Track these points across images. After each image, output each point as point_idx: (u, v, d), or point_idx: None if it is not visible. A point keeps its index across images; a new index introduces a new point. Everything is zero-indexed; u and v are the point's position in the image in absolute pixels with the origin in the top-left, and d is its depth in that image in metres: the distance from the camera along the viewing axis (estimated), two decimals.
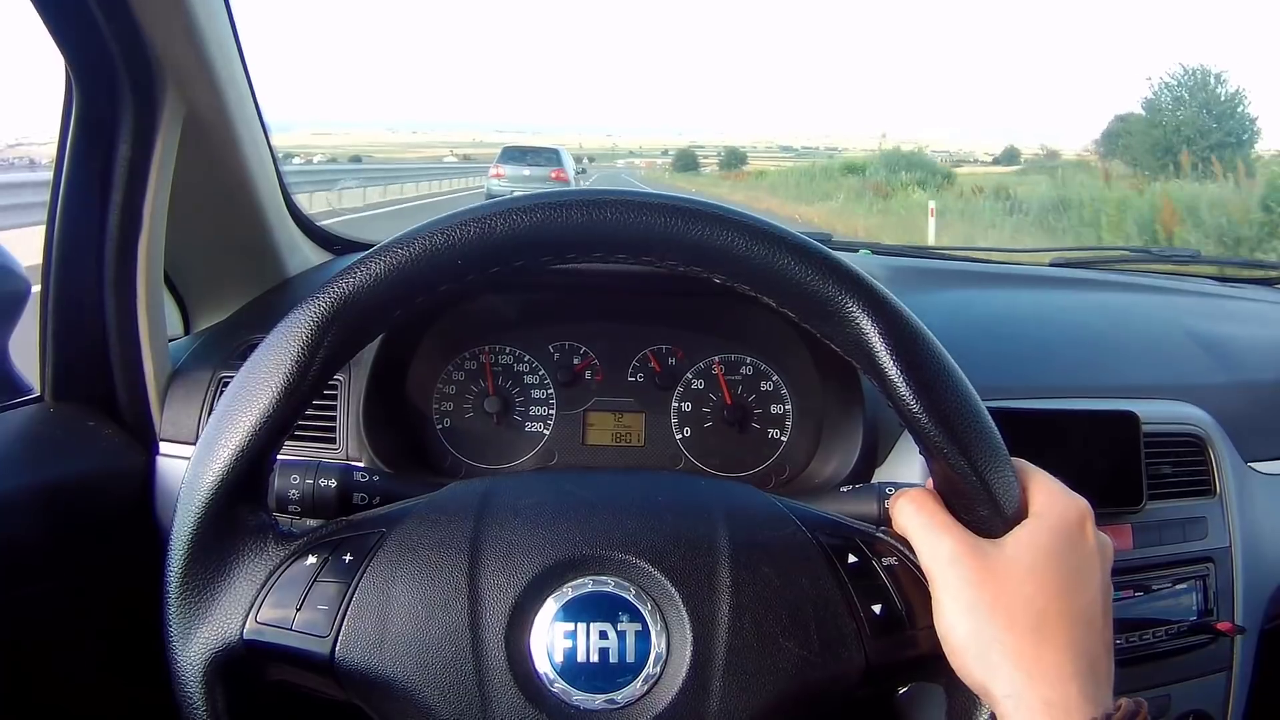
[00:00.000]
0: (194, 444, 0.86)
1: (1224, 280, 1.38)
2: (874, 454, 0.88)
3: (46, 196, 0.82)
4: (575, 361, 0.96)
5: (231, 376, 0.53)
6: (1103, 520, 0.51)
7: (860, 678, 0.49)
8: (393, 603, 0.48)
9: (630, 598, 0.48)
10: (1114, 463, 0.90)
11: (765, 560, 0.50)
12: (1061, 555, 0.48)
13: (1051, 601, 0.46)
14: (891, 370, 0.47)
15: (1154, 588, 0.91)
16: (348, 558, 0.49)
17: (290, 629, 0.48)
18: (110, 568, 0.83)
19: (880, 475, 0.88)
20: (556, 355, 0.97)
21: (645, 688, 0.47)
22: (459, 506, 0.52)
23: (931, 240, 9.95)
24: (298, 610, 0.48)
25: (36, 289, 0.86)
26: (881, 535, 0.53)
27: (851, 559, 0.51)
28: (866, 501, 0.62)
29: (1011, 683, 0.45)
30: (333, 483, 0.61)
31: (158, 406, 0.89)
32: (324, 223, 1.22)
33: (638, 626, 0.48)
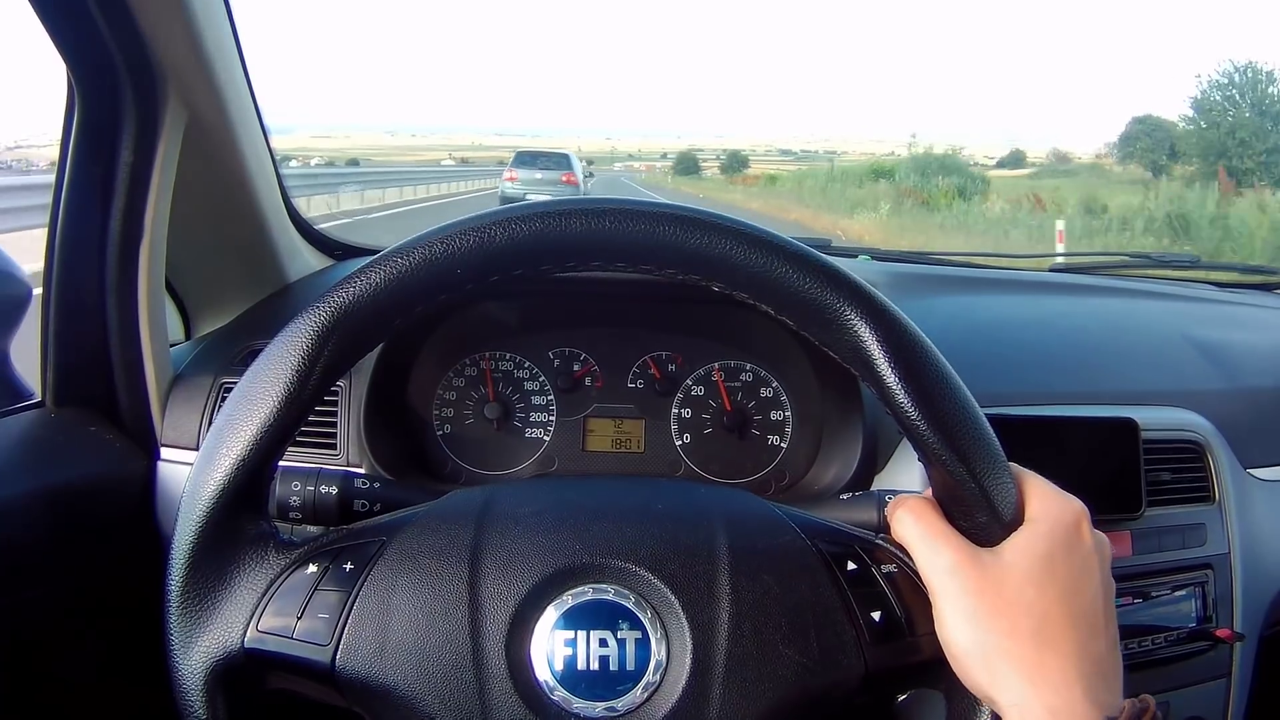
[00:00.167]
0: (195, 449, 0.86)
1: (1224, 286, 1.38)
2: (873, 461, 0.88)
3: (40, 200, 0.82)
4: (575, 368, 0.97)
5: (233, 382, 0.54)
6: (1101, 527, 0.51)
7: (860, 685, 0.49)
8: (393, 611, 0.48)
9: (630, 605, 0.48)
10: (1113, 469, 0.90)
11: (765, 567, 0.50)
12: (1059, 559, 0.48)
13: (1052, 606, 0.46)
14: (890, 378, 0.47)
15: (1153, 594, 0.91)
16: (348, 566, 0.49)
17: (291, 637, 0.48)
18: (111, 572, 0.83)
19: (880, 482, 0.88)
20: (557, 361, 0.97)
21: (645, 695, 0.47)
22: (459, 515, 0.52)
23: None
24: (298, 619, 0.48)
25: (38, 293, 0.86)
26: (881, 542, 0.53)
27: (851, 566, 0.51)
28: (866, 509, 0.62)
29: (1015, 691, 0.45)
30: (333, 490, 0.61)
31: (159, 412, 0.89)
32: (322, 226, 1.22)
33: (638, 634, 0.48)
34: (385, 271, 0.48)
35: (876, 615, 0.50)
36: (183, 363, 0.95)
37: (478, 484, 0.91)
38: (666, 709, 0.47)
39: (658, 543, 0.50)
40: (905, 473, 0.86)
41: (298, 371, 0.48)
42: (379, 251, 0.50)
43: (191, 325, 1.06)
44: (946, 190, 17.54)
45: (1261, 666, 0.97)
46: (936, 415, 0.47)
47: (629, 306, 0.98)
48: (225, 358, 0.94)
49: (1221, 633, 0.92)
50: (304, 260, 1.13)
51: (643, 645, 0.48)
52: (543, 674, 0.47)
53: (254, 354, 0.50)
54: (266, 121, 0.98)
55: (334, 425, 0.88)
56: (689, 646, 0.48)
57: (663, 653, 0.48)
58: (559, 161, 18.39)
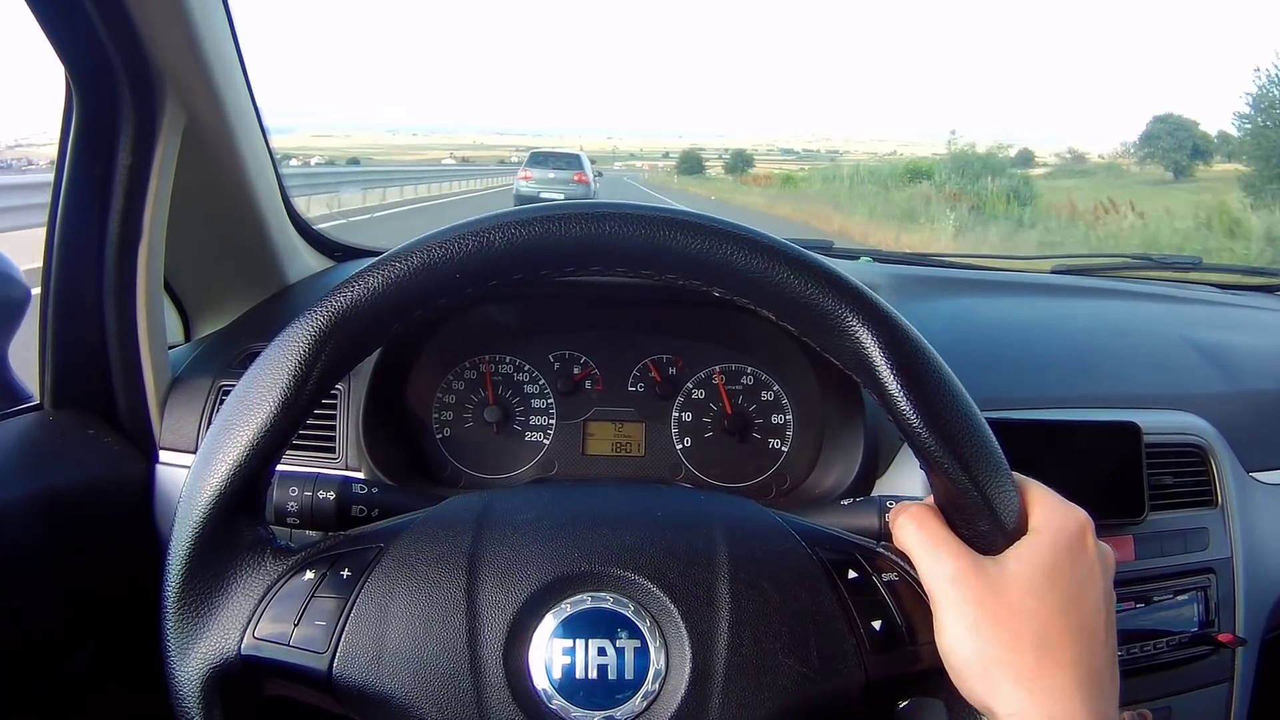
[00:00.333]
0: (194, 452, 0.86)
1: (1225, 288, 1.38)
2: (875, 465, 0.87)
3: (38, 199, 0.82)
4: (575, 371, 0.96)
5: (231, 385, 0.53)
6: (1104, 531, 0.51)
7: (860, 693, 0.49)
8: (390, 618, 0.48)
9: (629, 614, 0.48)
10: (1115, 473, 0.90)
11: (765, 576, 0.49)
12: (1062, 570, 0.47)
13: (1053, 617, 0.46)
14: (892, 385, 0.47)
15: (1155, 599, 0.91)
16: (345, 573, 0.49)
17: (288, 644, 0.48)
18: (109, 575, 0.83)
19: (881, 487, 0.88)
20: (557, 365, 0.96)
21: (644, 704, 0.47)
22: (457, 521, 0.51)
23: None
24: (295, 625, 0.48)
25: (36, 294, 0.86)
26: (882, 550, 0.53)
27: (851, 574, 0.51)
28: (867, 515, 0.62)
29: (1015, 701, 0.45)
30: (331, 495, 0.61)
31: (157, 414, 0.89)
32: (322, 226, 1.22)
33: (636, 643, 0.48)
34: (384, 275, 0.48)
35: (877, 624, 0.49)
36: (181, 365, 0.94)
37: (477, 488, 0.91)
38: (665, 718, 0.47)
39: (657, 550, 0.50)
40: (907, 478, 0.86)
41: (295, 375, 0.48)
42: (379, 253, 0.49)
43: (190, 327, 1.06)
44: (998, 193, 15.46)
45: (1263, 671, 0.97)
46: (939, 422, 0.47)
47: (629, 309, 0.97)
48: (224, 360, 0.94)
49: (1223, 637, 0.91)
50: (304, 262, 1.12)
51: (642, 654, 0.47)
52: (541, 682, 0.47)
53: (253, 356, 0.50)
54: (267, 121, 0.98)
55: (332, 429, 0.88)
56: (688, 655, 0.47)
57: (662, 661, 0.47)
58: (571, 161, 19.46)
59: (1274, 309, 1.32)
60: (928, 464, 0.49)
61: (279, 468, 0.53)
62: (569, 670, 0.47)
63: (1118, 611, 0.50)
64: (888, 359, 0.47)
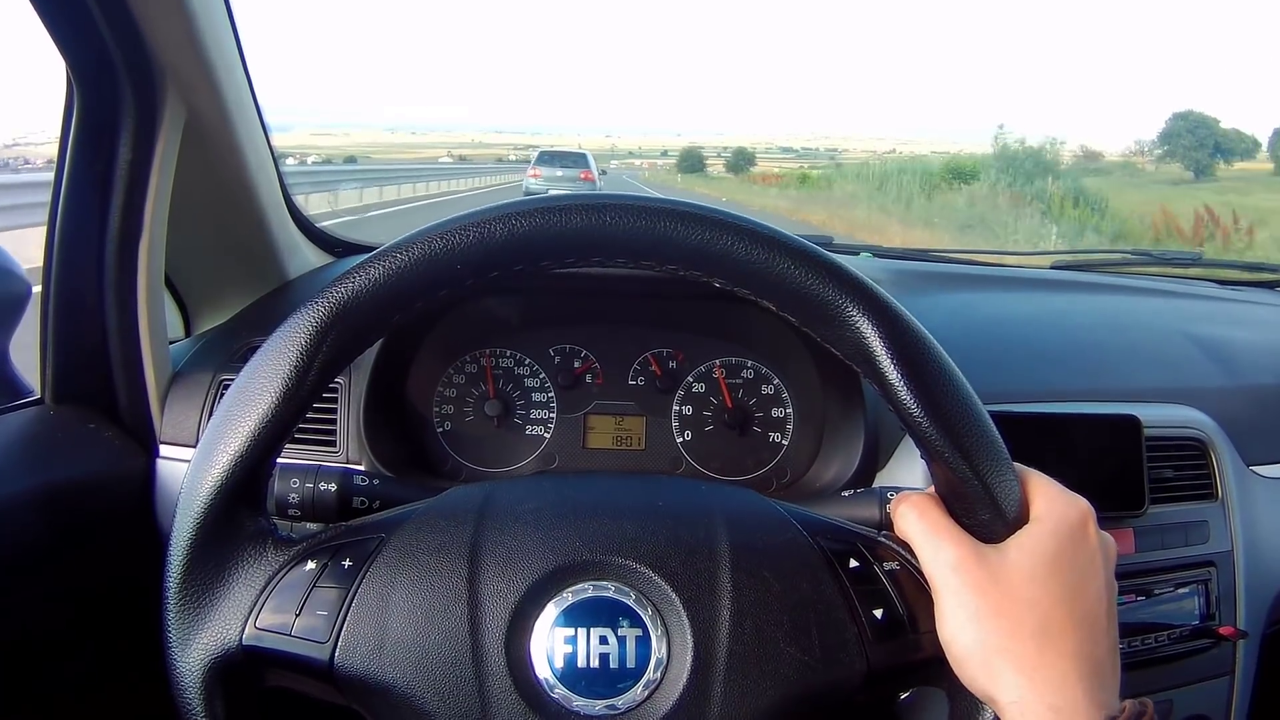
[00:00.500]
0: (195, 447, 0.86)
1: (1225, 283, 1.38)
2: (875, 457, 0.87)
3: (35, 198, 0.82)
4: (576, 364, 0.96)
5: (232, 379, 0.53)
6: (1104, 524, 0.51)
7: (861, 683, 0.49)
8: (392, 608, 0.48)
9: (631, 603, 0.48)
10: (1116, 466, 0.90)
11: (766, 565, 0.49)
12: (1064, 559, 0.47)
13: (1055, 606, 0.46)
14: (893, 375, 0.47)
15: (1156, 592, 0.91)
16: (347, 563, 0.49)
17: (289, 635, 0.48)
18: (110, 570, 0.83)
19: (882, 479, 0.88)
20: (557, 358, 0.96)
21: (646, 693, 0.47)
22: (459, 511, 0.51)
23: None
24: (297, 616, 0.48)
25: (37, 289, 0.86)
26: (883, 540, 0.53)
27: (853, 564, 0.51)
28: (868, 506, 0.62)
29: (1016, 689, 0.45)
30: (332, 487, 0.61)
31: (158, 409, 0.89)
32: (321, 225, 1.22)
33: (638, 632, 0.48)
34: (385, 266, 0.48)
35: (879, 613, 0.49)
36: (182, 360, 0.94)
37: (478, 481, 0.91)
38: (667, 707, 0.47)
39: (658, 540, 0.50)
40: (907, 470, 0.86)
41: (296, 367, 0.48)
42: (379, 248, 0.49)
43: (191, 322, 1.06)
44: (1061, 196, 13.16)
45: (1264, 664, 0.97)
46: (939, 412, 0.47)
47: (630, 303, 0.97)
48: (225, 355, 0.94)
49: (1224, 630, 0.92)
50: (304, 257, 1.12)
51: (643, 643, 0.48)
52: (543, 671, 0.47)
53: (254, 351, 0.50)
54: (267, 120, 0.98)
55: (333, 421, 0.88)
56: (690, 644, 0.47)
57: (663, 650, 0.48)
58: (577, 160, 20.43)
59: (1274, 304, 1.32)
60: (929, 453, 0.49)
61: (280, 460, 0.53)
62: (571, 659, 0.47)
63: (1118, 605, 0.50)
64: (889, 349, 0.47)
